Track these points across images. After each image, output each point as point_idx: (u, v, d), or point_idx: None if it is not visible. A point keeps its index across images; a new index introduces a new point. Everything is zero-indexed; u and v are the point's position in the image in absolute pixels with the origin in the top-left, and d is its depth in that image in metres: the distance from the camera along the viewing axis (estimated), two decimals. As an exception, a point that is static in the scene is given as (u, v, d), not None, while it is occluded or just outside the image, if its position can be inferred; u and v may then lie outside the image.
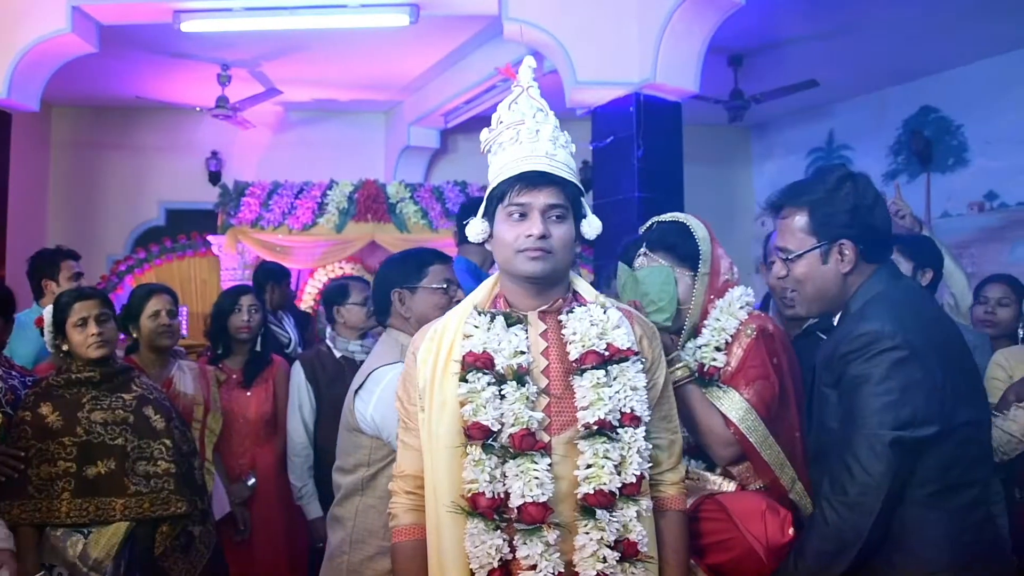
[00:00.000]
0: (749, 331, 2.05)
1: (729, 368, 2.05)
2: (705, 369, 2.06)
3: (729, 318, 2.07)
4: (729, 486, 2.01)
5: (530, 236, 1.61)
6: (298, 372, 3.35)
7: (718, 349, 2.06)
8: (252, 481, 3.28)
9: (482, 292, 1.76)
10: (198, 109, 6.96)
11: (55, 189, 7.86)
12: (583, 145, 5.55)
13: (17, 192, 5.33)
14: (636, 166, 4.85)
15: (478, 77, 6.58)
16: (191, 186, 8.00)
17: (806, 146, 8.59)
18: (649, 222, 2.27)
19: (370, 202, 6.64)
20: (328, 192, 6.69)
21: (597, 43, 4.78)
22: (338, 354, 3.41)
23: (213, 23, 5.19)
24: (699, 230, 2.15)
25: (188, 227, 7.13)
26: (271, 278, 5.07)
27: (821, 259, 1.82)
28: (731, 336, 2.06)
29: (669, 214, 2.26)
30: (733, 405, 1.98)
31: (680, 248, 2.13)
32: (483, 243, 1.73)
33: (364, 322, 3.45)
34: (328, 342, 3.48)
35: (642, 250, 2.17)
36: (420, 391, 1.69)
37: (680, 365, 2.01)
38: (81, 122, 7.91)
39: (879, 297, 1.77)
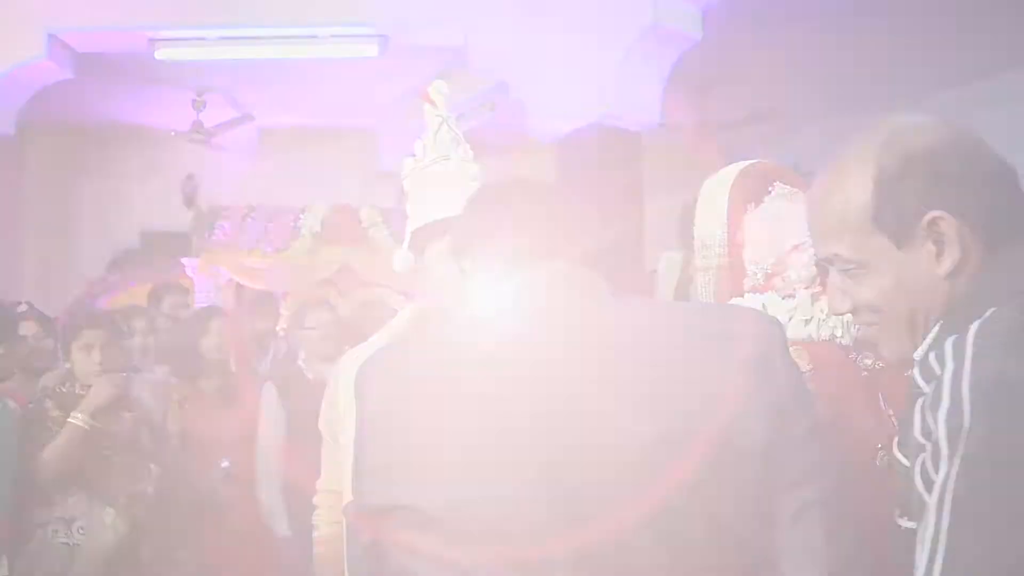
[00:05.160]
0: None
1: None
2: None
3: None
4: None
5: None
6: (270, 392, 3.40)
7: None
8: (225, 464, 3.29)
9: (401, 325, 1.81)
10: (173, 134, 7.05)
11: (31, 213, 7.89)
12: (546, 173, 5.70)
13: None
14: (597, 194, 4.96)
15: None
16: (168, 210, 8.02)
17: (771, 174, 8.76)
18: None
19: (343, 226, 6.71)
20: (301, 216, 6.76)
21: (560, 74, 4.93)
22: (311, 375, 3.46)
23: (188, 51, 5.31)
24: None
25: (165, 250, 7.18)
26: None
27: None
28: None
29: None
30: None
31: None
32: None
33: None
34: (300, 363, 3.53)
35: None
36: (340, 416, 1.74)
37: None
38: (57, 146, 7.96)
39: None
